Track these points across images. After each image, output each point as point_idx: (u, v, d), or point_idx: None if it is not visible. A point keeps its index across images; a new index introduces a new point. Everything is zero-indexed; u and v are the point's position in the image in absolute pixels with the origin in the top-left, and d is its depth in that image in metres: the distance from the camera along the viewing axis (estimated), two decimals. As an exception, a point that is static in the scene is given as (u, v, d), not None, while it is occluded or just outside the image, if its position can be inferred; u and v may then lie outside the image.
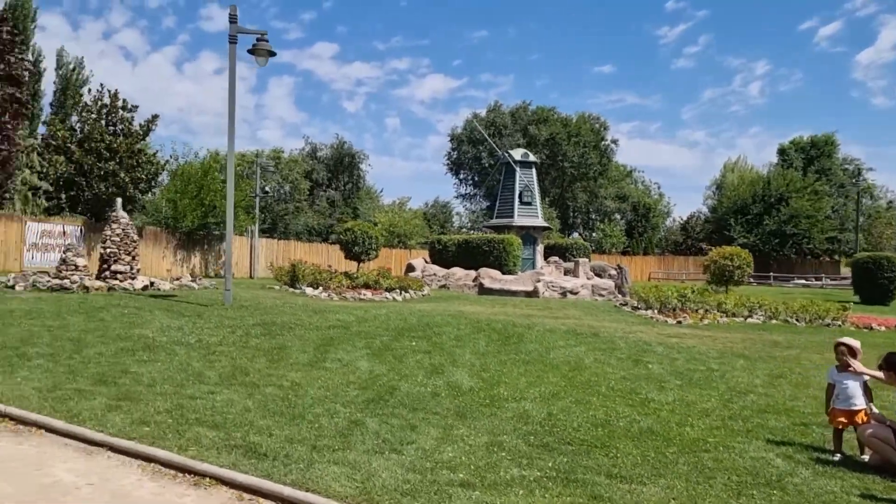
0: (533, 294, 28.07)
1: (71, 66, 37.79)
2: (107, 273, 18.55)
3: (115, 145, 25.76)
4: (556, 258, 32.23)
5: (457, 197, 67.46)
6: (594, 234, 64.63)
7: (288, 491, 4.28)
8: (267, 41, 15.00)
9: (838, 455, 5.80)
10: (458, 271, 31.60)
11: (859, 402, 5.92)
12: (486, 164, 61.21)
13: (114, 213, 19.24)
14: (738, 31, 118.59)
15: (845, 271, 57.11)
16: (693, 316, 18.21)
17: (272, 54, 15.12)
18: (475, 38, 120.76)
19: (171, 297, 16.82)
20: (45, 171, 25.26)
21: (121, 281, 18.25)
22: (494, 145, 41.55)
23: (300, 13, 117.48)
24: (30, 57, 14.87)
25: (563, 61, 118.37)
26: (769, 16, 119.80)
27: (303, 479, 4.45)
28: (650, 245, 67.46)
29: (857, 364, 6.07)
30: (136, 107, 27.07)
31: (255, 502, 4.30)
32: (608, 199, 65.51)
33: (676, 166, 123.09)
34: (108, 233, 18.89)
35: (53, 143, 23.87)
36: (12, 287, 16.97)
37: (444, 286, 30.36)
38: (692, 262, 56.29)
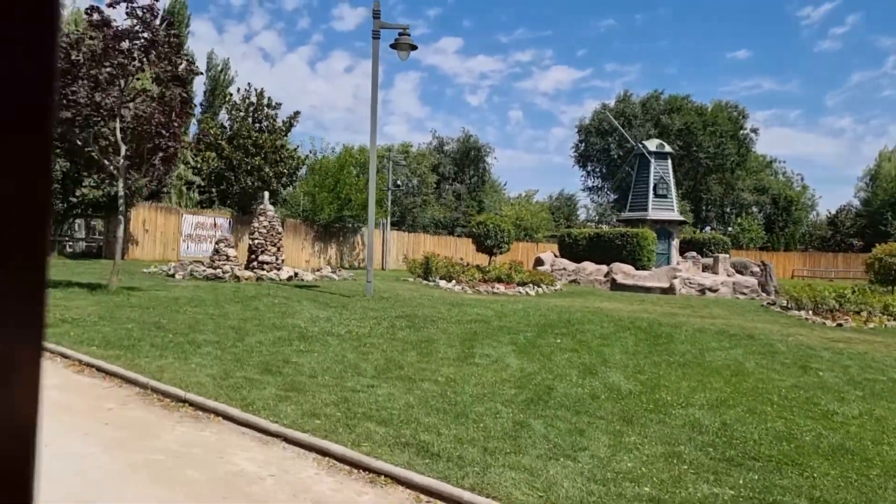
0: (669, 291, 26.93)
1: (219, 68, 40.16)
2: (254, 263, 19.46)
3: (261, 141, 27.07)
4: (694, 253, 30.74)
5: (583, 190, 66.12)
6: (730, 229, 61.34)
7: (468, 496, 4.13)
8: (409, 35, 15.11)
9: None
10: (588, 266, 30.86)
11: None
12: (615, 156, 59.50)
13: (261, 207, 20.15)
14: (892, 9, 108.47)
15: None
16: (855, 319, 16.72)
17: (413, 48, 15.23)
18: (601, 26, 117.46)
19: (314, 287, 17.40)
20: (198, 166, 26.96)
21: (267, 271, 19.09)
22: (627, 136, 40.19)
23: (425, 9, 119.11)
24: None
25: (694, 47, 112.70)
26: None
27: (480, 484, 4.29)
28: (792, 240, 63.13)
29: None
30: (280, 104, 28.37)
31: (432, 505, 4.19)
32: (745, 191, 61.89)
33: (818, 156, 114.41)
34: (256, 225, 19.80)
35: (206, 140, 25.38)
36: (172, 276, 18.15)
37: (573, 281, 29.74)
38: (842, 260, 52.19)
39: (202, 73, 12.84)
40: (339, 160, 32.05)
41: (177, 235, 25.74)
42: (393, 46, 15.27)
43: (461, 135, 64.06)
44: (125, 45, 11.96)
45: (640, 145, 33.68)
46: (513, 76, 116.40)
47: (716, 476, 4.77)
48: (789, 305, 19.37)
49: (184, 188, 31.11)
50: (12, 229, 0.49)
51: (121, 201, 13.07)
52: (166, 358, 7.42)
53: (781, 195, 64.53)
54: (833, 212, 66.21)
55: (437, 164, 60.56)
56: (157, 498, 4.11)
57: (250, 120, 27.55)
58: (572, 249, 32.58)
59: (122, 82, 12.38)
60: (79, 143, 12.38)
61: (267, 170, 27.28)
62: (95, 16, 11.93)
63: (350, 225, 32.80)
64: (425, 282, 22.15)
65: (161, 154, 12.69)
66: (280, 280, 18.47)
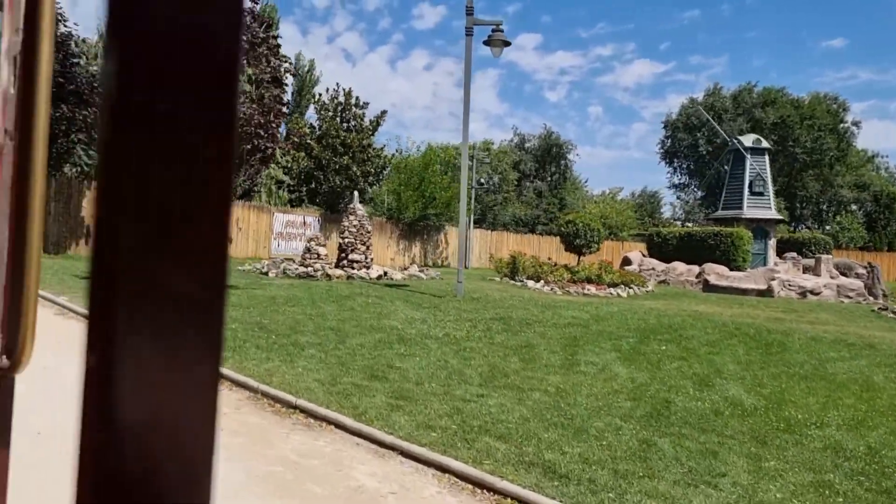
0: (766, 293, 25.69)
1: (305, 69, 40.96)
2: (344, 262, 19.62)
3: (349, 141, 27.37)
4: (794, 254, 29.20)
5: (670, 187, 64.12)
6: (827, 228, 58.25)
7: (606, 525, 3.83)
8: (502, 31, 14.83)
9: None
10: (679, 266, 29.81)
11: None
12: (704, 153, 57.41)
13: (351, 206, 20.31)
14: None
15: None
16: None
17: (507, 44, 14.93)
18: (685, 18, 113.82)
19: (404, 286, 17.38)
20: (288, 165, 27.50)
21: (357, 269, 19.21)
22: (721, 131, 38.62)
23: (504, 5, 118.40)
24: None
25: (784, 38, 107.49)
26: None
27: (618, 512, 3.98)
28: (897, 239, 59.43)
29: None
30: (367, 103, 28.60)
31: (567, 533, 3.91)
32: (844, 188, 58.60)
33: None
34: (346, 224, 19.96)
35: (296, 139, 25.84)
36: (266, 274, 18.50)
37: (662, 281, 28.80)
38: (955, 261, 48.73)
39: (299, 75, 12.91)
40: (423, 158, 32.11)
41: (268, 233, 26.34)
42: (486, 43, 15.03)
43: (542, 131, 63.37)
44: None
45: (735, 140, 32.29)
46: (593, 71, 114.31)
47: (878, 512, 4.31)
48: (906, 311, 18.08)
49: (273, 187, 31.85)
50: (203, 213, 0.47)
51: (221, 201, 13.34)
52: (272, 361, 7.41)
53: (884, 192, 60.80)
54: (943, 209, 61.90)
55: (518, 161, 60.03)
56: (281, 513, 4.00)
57: (338, 119, 27.90)
58: (661, 249, 31.57)
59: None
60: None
61: (354, 169, 27.57)
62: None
63: (434, 223, 32.82)
64: (512, 281, 21.83)
65: (259, 155, 12.87)
66: (370, 279, 18.55)
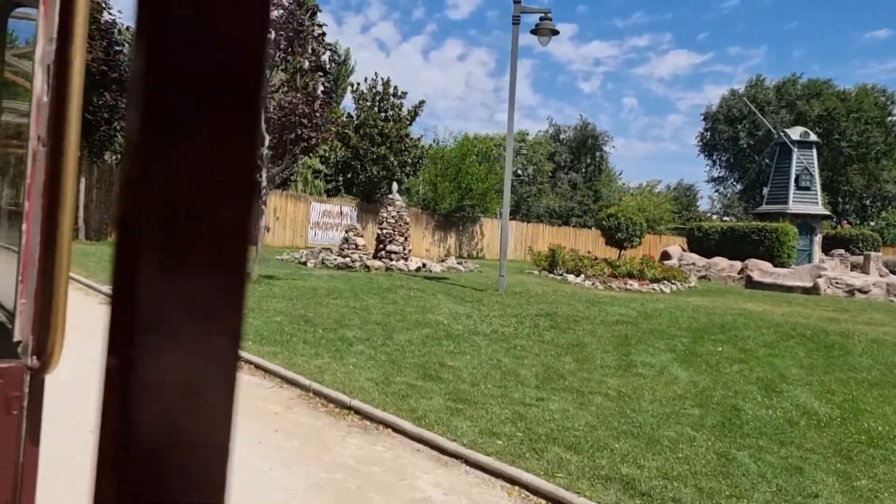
0: (812, 291, 24.94)
1: (342, 59, 40.82)
2: (382, 252, 19.43)
3: (387, 130, 27.13)
4: (841, 251, 28.37)
5: (708, 181, 62.88)
6: (872, 223, 56.66)
7: (700, 552, 3.52)
8: (550, 19, 14.42)
9: None
10: (720, 261, 29.11)
11: None
12: (744, 146, 56.13)
13: (390, 196, 20.10)
14: None
15: None
16: None
17: (555, 33, 14.53)
18: (724, 8, 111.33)
19: (443, 279, 17.12)
20: (325, 155, 27.38)
21: (395, 260, 19.00)
22: (767, 123, 37.62)
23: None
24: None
25: (826, 28, 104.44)
26: None
27: (710, 537, 3.67)
28: (946, 237, 57.63)
29: None
30: (406, 93, 28.33)
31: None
32: (891, 182, 56.89)
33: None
34: (384, 214, 19.75)
35: (338, 129, 25.68)
36: (304, 264, 18.39)
37: (703, 277, 28.15)
38: None
39: (344, 64, 12.66)
40: (460, 149, 31.76)
41: (305, 223, 26.28)
42: (534, 32, 14.64)
43: (578, 122, 62.53)
44: (271, 35, 11.95)
45: (782, 133, 31.35)
46: (628, 62, 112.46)
47: None
48: (964, 312, 17.34)
49: (309, 176, 31.80)
50: (225, 210, 0.49)
51: (263, 192, 13.19)
52: (322, 357, 7.20)
53: (931, 187, 58.94)
54: None
55: (553, 152, 59.37)
56: (346, 527, 3.76)
57: (376, 109, 27.67)
58: (702, 243, 30.86)
59: (269, 72, 12.43)
60: (225, 133, 12.53)
61: (392, 159, 27.34)
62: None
63: (469, 214, 32.50)
64: (551, 275, 21.45)
65: (303, 144, 12.67)
66: (409, 271, 18.32)
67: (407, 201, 32.57)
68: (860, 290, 25.17)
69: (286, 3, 12.01)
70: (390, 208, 19.82)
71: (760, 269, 27.53)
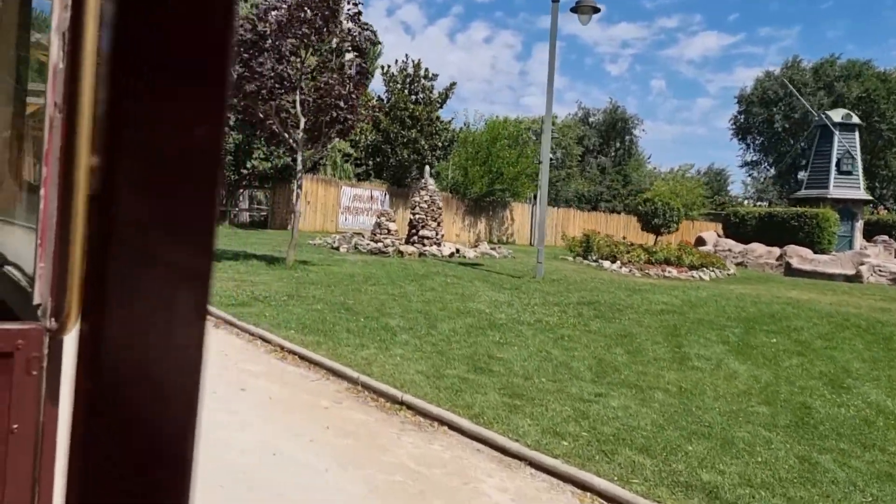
0: (854, 279, 24.24)
1: (376, 40, 40.49)
2: (414, 238, 19.16)
3: (417, 113, 26.77)
4: (885, 237, 27.54)
5: (741, 165, 61.63)
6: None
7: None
8: (592, -3, 13.93)
9: None
10: (758, 248, 28.44)
11: None
12: (780, 129, 54.82)
13: (422, 181, 19.80)
14: None
15: None
16: None
17: (596, 10, 14.04)
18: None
19: (478, 265, 16.83)
20: (355, 138, 27.11)
21: (427, 246, 18.74)
22: (808, 105, 36.58)
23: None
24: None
25: (862, 8, 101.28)
26: None
27: (810, 555, 3.35)
28: None
29: None
30: (437, 75, 27.88)
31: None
32: (931, 167, 55.28)
33: None
34: (417, 199, 19.46)
35: (374, 112, 25.42)
36: (337, 249, 18.21)
37: (740, 263, 27.53)
38: None
39: (381, 43, 12.34)
40: (490, 132, 31.29)
41: (335, 207, 26.10)
42: (574, 10, 14.16)
43: (607, 105, 61.62)
44: (307, 14, 11.67)
45: (823, 116, 30.43)
46: (657, 44, 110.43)
47: None
48: None
49: (339, 160, 31.56)
50: (190, 182, 0.51)
51: (299, 175, 12.96)
52: (367, 347, 6.95)
53: (973, 173, 57.16)
54: None
55: (582, 136, 58.55)
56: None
57: (406, 91, 27.30)
58: (738, 229, 30.19)
59: (304, 53, 12.15)
60: (261, 115, 12.32)
61: (422, 142, 27.00)
62: (280, -15, 11.72)
63: (500, 199, 32.10)
64: (585, 261, 21.03)
65: (339, 127, 12.40)
66: (442, 256, 18.05)
67: (437, 186, 32.26)
68: (905, 278, 24.41)
69: (322, -18, 11.71)
70: (423, 193, 19.53)
71: (800, 256, 26.84)
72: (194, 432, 0.53)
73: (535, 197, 35.11)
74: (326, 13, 11.92)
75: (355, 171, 30.34)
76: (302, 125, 12.40)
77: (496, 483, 4.18)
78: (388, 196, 27.43)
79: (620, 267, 19.62)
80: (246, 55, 11.65)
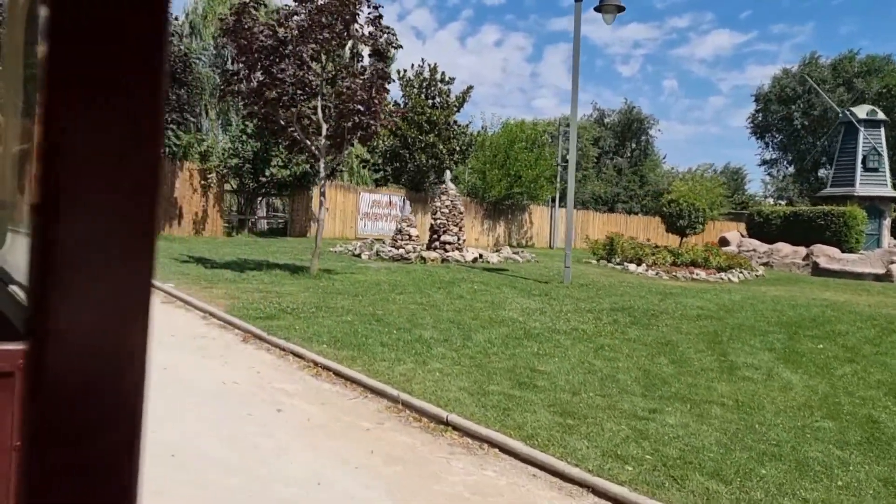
0: (885, 278, 23.68)
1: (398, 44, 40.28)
2: (436, 243, 18.89)
3: (434, 118, 26.51)
4: (916, 235, 26.92)
5: (760, 164, 60.88)
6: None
7: None
8: (617, -5, 13.59)
9: None
10: (783, 247, 27.91)
11: None
12: (799, 126, 54.05)
13: (443, 185, 19.53)
14: None
15: None
16: None
17: (621, 10, 13.70)
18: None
19: (503, 270, 16.51)
20: (374, 143, 26.90)
21: (450, 251, 18.45)
22: (832, 103, 35.96)
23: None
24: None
25: (875, 2, 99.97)
26: None
27: None
28: None
29: None
30: (453, 79, 27.61)
31: None
32: (955, 162, 54.31)
33: None
34: (438, 204, 19.19)
35: (393, 117, 25.19)
36: (359, 256, 17.96)
37: (765, 263, 27.01)
38: None
39: (402, 47, 12.10)
40: (507, 135, 30.96)
41: (354, 213, 25.87)
42: (598, 9, 13.83)
43: (623, 106, 61.17)
44: (328, 19, 11.43)
45: (848, 112, 29.87)
46: (668, 43, 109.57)
47: None
48: None
49: (355, 166, 31.35)
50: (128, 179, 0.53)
51: (322, 182, 12.72)
52: (404, 362, 6.66)
53: None
54: None
55: (598, 137, 58.11)
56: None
57: (423, 96, 27.05)
58: (762, 229, 29.64)
59: (325, 58, 11.91)
60: (282, 122, 12.09)
61: (440, 147, 26.72)
62: (300, -10, 11.49)
63: (518, 202, 31.77)
64: (610, 264, 20.66)
65: (361, 132, 12.15)
66: (466, 262, 17.75)
67: (456, 190, 31.97)
68: (937, 277, 23.81)
69: (342, -15, 11.47)
70: (444, 198, 19.25)
71: (827, 256, 26.30)
72: (139, 443, 0.54)
73: (553, 199, 34.77)
74: (347, 17, 11.68)
75: (373, 177, 30.12)
76: (324, 132, 12.16)
77: (560, 514, 3.88)
78: (406, 201, 27.19)
79: (646, 270, 19.24)
80: (266, 62, 11.43)
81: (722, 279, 18.58)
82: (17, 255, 1.96)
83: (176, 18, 19.87)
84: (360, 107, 11.80)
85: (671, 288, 15.10)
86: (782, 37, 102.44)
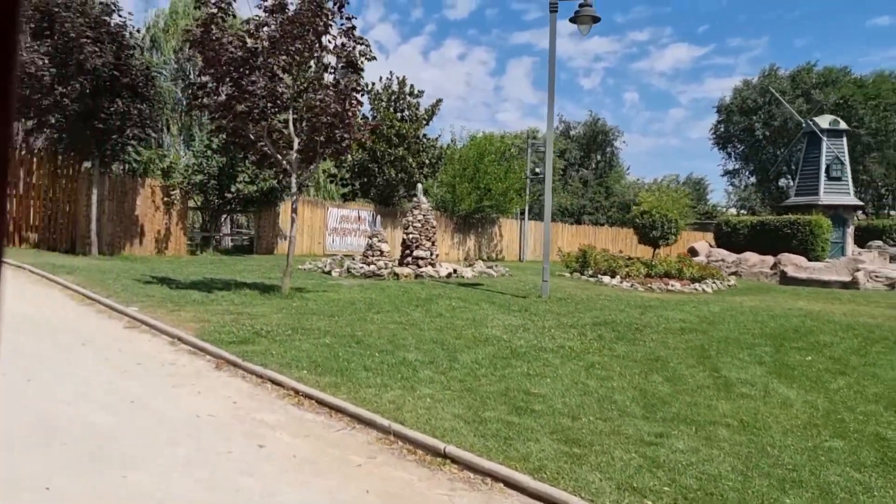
0: (851, 285, 23.98)
1: (372, 56, 39.94)
2: (408, 258, 18.53)
3: (404, 131, 26.21)
4: (879, 243, 27.43)
5: (723, 174, 61.85)
6: (892, 213, 55.65)
7: None
8: (591, 6, 13.49)
9: None
10: (751, 257, 28.19)
11: None
12: (760, 136, 55.07)
13: (415, 199, 19.20)
14: None
15: None
16: None
17: (596, 20, 13.59)
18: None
19: (478, 285, 16.21)
20: (343, 158, 26.47)
21: (423, 267, 18.11)
22: (795, 113, 36.60)
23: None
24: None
25: (827, 17, 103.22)
26: None
27: None
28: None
29: None
30: (422, 91, 27.40)
31: None
32: (907, 170, 55.80)
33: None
34: (410, 218, 18.85)
35: (367, 132, 24.77)
36: (329, 273, 17.50)
37: (734, 273, 27.23)
38: None
39: (375, 58, 11.78)
40: (477, 148, 30.83)
41: (322, 229, 25.38)
42: (573, 20, 13.71)
43: (588, 118, 61.74)
44: (299, 30, 11.05)
45: (811, 122, 30.38)
46: (628, 57, 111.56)
47: None
48: None
49: (322, 180, 30.86)
50: None
51: (294, 199, 12.27)
52: (391, 388, 6.28)
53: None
54: None
55: (564, 149, 58.45)
56: None
57: (392, 109, 26.74)
58: (730, 239, 29.95)
59: (296, 70, 11.53)
60: (252, 137, 11.65)
61: (410, 160, 26.42)
62: (270, 1, 11.09)
63: (488, 216, 31.59)
64: (583, 277, 20.52)
65: (335, 146, 11.77)
66: (440, 277, 17.41)
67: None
68: (901, 284, 24.16)
69: (313, -5, 11.13)
70: (416, 212, 18.91)
71: (795, 264, 26.58)
72: None
73: (522, 212, 34.68)
74: (320, 28, 11.33)
75: (340, 192, 29.66)
76: (296, 146, 11.75)
77: (580, 558, 3.54)
78: (376, 216, 26.79)
79: (621, 281, 19.12)
80: (236, 74, 11.00)
81: (696, 290, 18.55)
82: None
83: (138, 31, 19.30)
84: (333, 119, 11.43)
85: (649, 300, 14.95)
86: (739, 50, 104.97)
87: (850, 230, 29.63)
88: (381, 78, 27.36)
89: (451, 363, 7.51)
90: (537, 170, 33.65)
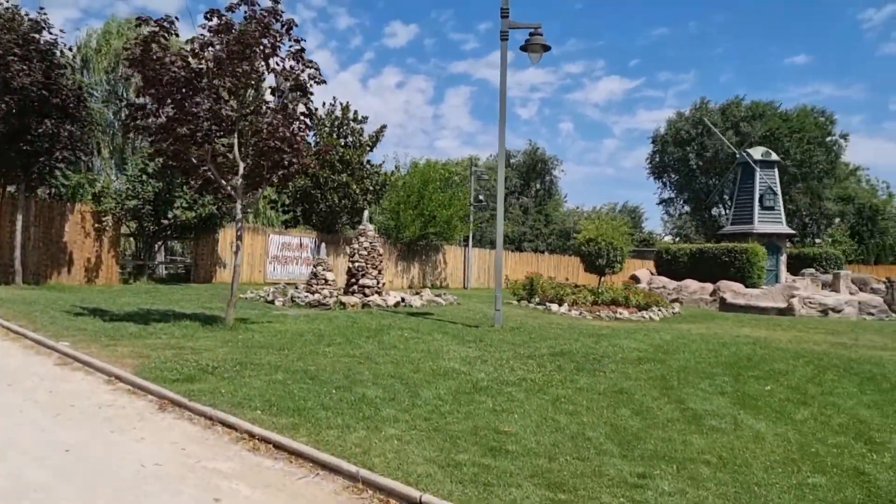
0: (787, 311, 24.65)
1: (321, 79, 39.39)
2: (354, 287, 18.08)
3: (347, 157, 25.80)
4: (812, 270, 28.36)
5: (659, 203, 63.51)
6: (818, 241, 58.03)
7: None
8: (541, 34, 13.51)
9: None
10: (691, 284, 28.74)
11: None
12: (694, 166, 56.88)
13: (361, 227, 18.79)
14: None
15: None
16: None
17: (546, 49, 13.61)
18: (654, 35, 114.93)
19: (428, 314, 15.86)
20: (288, 184, 25.83)
21: (369, 296, 17.68)
22: (730, 144, 37.82)
23: (476, 24, 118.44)
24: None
25: (749, 54, 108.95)
26: None
27: None
28: (883, 252, 59.64)
29: None
30: (366, 117, 27.09)
31: None
32: (830, 200, 58.50)
33: (881, 163, 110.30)
34: (356, 246, 18.41)
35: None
36: (272, 302, 16.89)
37: (675, 300, 27.65)
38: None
39: (325, 82, 11.44)
40: (421, 175, 30.65)
41: (263, 257, 24.62)
42: (524, 48, 13.70)
43: (527, 147, 62.66)
44: (246, 51, 10.63)
45: (744, 153, 31.40)
46: (563, 88, 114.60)
47: None
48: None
49: (262, 206, 30.07)
50: None
51: (238, 225, 11.71)
52: (354, 429, 5.86)
53: (867, 204, 60.88)
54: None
55: (505, 177, 59.00)
56: None
57: (335, 135, 26.33)
58: (671, 266, 30.49)
59: (244, 92, 11.08)
60: (194, 161, 11.10)
61: (353, 186, 26.00)
62: (215, 20, 10.64)
63: (433, 243, 31.35)
64: (531, 305, 20.45)
65: (282, 171, 11.33)
66: (388, 306, 16.99)
67: (367, 231, 31.18)
68: (833, 310, 24.99)
69: (261, 16, 10.74)
70: (362, 239, 18.49)
71: (733, 291, 27.19)
72: None
73: (466, 240, 34.61)
74: (267, 50, 10.94)
75: (281, 218, 28.94)
76: (241, 171, 11.25)
77: None
78: (320, 243, 26.20)
79: (569, 309, 19.10)
80: (178, 95, 10.48)
81: (644, 317, 18.66)
82: None
83: (70, 49, 18.43)
84: (281, 144, 11.01)
85: (600, 329, 14.89)
86: (668, 84, 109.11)
87: (784, 258, 30.59)
88: (324, 104, 27.01)
89: (413, 399, 7.13)
90: (480, 197, 33.69)
